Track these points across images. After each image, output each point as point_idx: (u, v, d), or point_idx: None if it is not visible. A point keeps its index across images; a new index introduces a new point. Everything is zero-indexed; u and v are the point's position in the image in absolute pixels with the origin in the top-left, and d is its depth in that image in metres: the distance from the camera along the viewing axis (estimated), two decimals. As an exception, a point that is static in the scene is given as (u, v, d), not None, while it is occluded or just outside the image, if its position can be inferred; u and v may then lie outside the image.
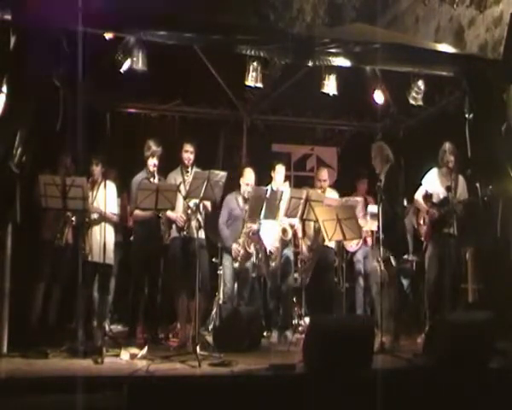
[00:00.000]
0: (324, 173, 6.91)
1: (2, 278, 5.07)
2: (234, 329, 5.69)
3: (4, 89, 4.84)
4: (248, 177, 6.44)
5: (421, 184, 6.26)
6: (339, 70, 5.93)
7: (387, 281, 5.89)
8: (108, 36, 5.32)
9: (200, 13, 5.51)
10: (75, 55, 5.16)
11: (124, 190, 6.57)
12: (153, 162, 5.97)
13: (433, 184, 6.17)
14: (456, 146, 6.09)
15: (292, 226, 6.57)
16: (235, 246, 6.35)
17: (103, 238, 5.57)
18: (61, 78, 5.75)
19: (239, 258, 6.33)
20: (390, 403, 4.09)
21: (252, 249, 6.36)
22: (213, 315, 6.64)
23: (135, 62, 5.33)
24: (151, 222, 5.98)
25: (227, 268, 6.47)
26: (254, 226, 6.32)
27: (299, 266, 6.80)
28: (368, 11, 9.41)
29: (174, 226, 5.99)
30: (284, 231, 6.48)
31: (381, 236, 5.60)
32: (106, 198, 5.67)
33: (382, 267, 5.70)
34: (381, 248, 5.64)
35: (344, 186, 7.49)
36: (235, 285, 6.45)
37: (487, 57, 6.89)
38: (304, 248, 6.75)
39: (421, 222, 6.23)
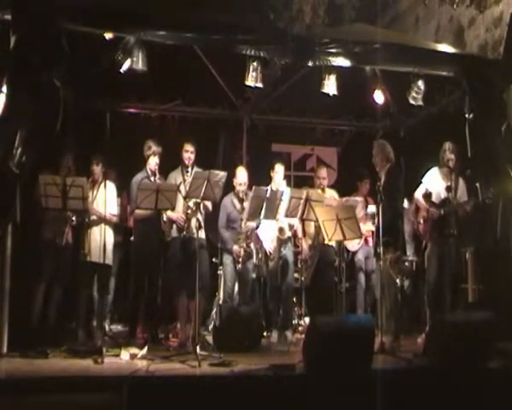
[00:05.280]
0: (323, 172, 6.92)
1: (3, 277, 5.08)
2: (234, 329, 5.68)
3: (4, 89, 4.84)
4: (240, 176, 6.44)
5: (421, 183, 6.26)
6: (339, 70, 5.92)
7: (387, 281, 5.89)
8: (108, 36, 5.31)
9: (200, 12, 5.49)
10: (75, 54, 5.16)
11: (124, 190, 6.58)
12: (154, 162, 6.00)
13: (433, 183, 6.17)
14: (456, 146, 6.09)
15: (291, 226, 6.57)
16: (235, 248, 6.35)
17: (103, 238, 5.59)
18: (61, 78, 5.75)
19: (240, 259, 6.32)
20: (390, 403, 4.09)
21: (252, 248, 6.37)
22: (213, 315, 6.63)
23: (135, 62, 5.33)
24: (152, 220, 5.98)
25: (227, 266, 6.46)
26: (253, 224, 6.32)
27: (300, 265, 6.80)
28: (368, 11, 9.41)
29: (175, 226, 6.01)
30: (281, 229, 6.47)
31: (381, 235, 5.60)
32: (106, 198, 5.68)
33: (382, 267, 5.71)
34: (381, 248, 5.64)
35: (344, 186, 7.49)
36: (236, 284, 6.46)
37: (487, 57, 6.89)
38: (305, 246, 6.74)
39: (421, 221, 6.23)
